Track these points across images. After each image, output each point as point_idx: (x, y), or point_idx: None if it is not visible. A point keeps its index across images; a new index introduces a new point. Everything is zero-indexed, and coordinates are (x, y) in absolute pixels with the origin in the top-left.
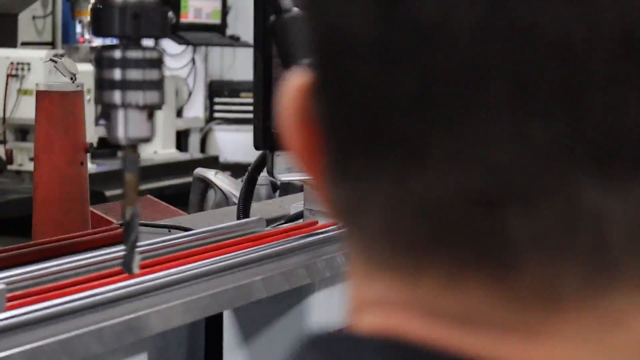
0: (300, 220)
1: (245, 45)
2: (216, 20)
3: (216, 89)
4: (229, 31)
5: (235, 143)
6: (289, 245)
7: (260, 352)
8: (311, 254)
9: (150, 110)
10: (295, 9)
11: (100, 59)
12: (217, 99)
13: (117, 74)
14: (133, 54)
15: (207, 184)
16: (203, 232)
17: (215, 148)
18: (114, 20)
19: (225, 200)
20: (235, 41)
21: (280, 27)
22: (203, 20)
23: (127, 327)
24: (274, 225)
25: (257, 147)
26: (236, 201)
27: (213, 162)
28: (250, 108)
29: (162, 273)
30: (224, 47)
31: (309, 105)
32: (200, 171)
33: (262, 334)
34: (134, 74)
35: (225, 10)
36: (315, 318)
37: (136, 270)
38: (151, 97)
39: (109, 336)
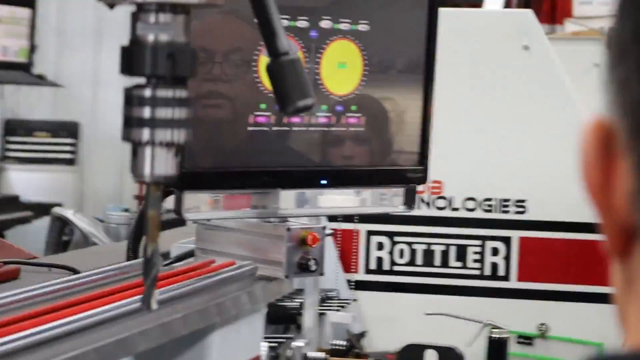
0: (192, 259)
1: (52, 84)
2: (23, 58)
3: (11, 128)
4: (35, 70)
5: (32, 182)
6: (199, 284)
7: None
8: (218, 292)
9: (176, 149)
10: (292, 52)
11: (130, 97)
12: (11, 138)
13: (146, 112)
14: (163, 93)
15: (64, 223)
16: (102, 272)
17: (9, 187)
18: (146, 59)
19: (84, 239)
20: (41, 80)
21: (277, 70)
22: (10, 58)
23: None
24: (165, 263)
25: (169, 186)
26: (96, 241)
27: (13, 202)
28: (46, 148)
29: (70, 319)
30: (28, 85)
31: (613, 142)
32: (58, 210)
33: None
34: (163, 113)
35: (32, 49)
36: (215, 356)
37: (155, 306)
38: (178, 135)
39: None
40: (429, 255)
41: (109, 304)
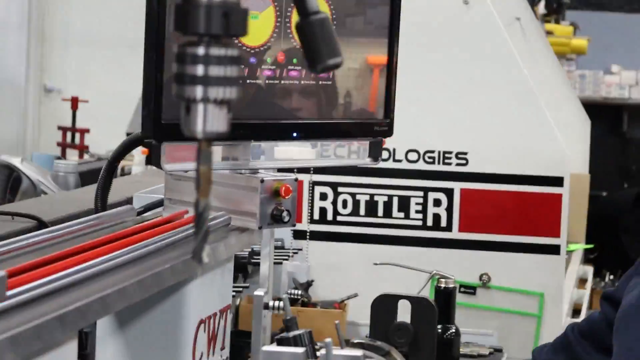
0: (161, 209)
1: None
2: None
3: None
4: None
5: None
6: (180, 235)
7: (134, 341)
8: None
9: (228, 106)
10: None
11: (183, 55)
12: None
13: (199, 69)
14: (216, 51)
15: (11, 171)
16: (74, 225)
17: None
18: (200, 17)
19: (33, 188)
20: None
21: (307, 29)
22: None
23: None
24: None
25: (146, 137)
26: (45, 189)
27: None
28: None
29: (69, 271)
30: None
31: None
32: (5, 158)
33: (134, 324)
34: (216, 70)
35: None
36: (192, 306)
37: (206, 259)
38: (230, 92)
39: None
40: (372, 205)
41: (99, 256)
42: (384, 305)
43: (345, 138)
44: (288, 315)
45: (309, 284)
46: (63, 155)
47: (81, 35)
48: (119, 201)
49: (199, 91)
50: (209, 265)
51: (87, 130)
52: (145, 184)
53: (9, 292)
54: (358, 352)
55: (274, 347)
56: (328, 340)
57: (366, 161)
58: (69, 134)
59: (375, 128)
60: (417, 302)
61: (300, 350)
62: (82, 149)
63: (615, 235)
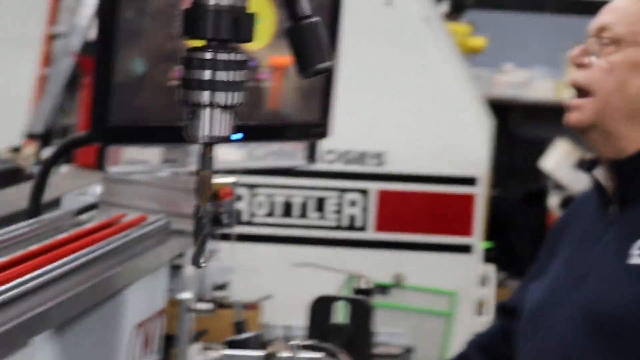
0: (95, 212)
1: None
2: None
3: None
4: None
5: None
6: (124, 239)
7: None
8: (140, 246)
9: (232, 111)
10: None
11: (190, 60)
12: None
13: (206, 74)
14: (223, 56)
15: None
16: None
17: None
18: (208, 23)
19: None
20: None
21: (297, 33)
22: None
23: None
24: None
25: (94, 140)
26: None
27: None
28: None
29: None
30: None
31: None
32: None
33: (69, 330)
34: (223, 75)
35: None
36: (129, 309)
37: (204, 264)
38: (235, 97)
39: None
40: (288, 206)
41: (42, 265)
42: (321, 308)
43: (283, 139)
44: (240, 318)
45: (224, 285)
46: None
47: None
48: (46, 202)
49: (205, 96)
50: (147, 269)
51: None
52: (65, 185)
53: None
54: (319, 355)
55: (234, 351)
56: (293, 343)
57: (302, 162)
58: None
59: (312, 130)
60: (355, 304)
61: (260, 352)
62: None
63: (506, 234)
